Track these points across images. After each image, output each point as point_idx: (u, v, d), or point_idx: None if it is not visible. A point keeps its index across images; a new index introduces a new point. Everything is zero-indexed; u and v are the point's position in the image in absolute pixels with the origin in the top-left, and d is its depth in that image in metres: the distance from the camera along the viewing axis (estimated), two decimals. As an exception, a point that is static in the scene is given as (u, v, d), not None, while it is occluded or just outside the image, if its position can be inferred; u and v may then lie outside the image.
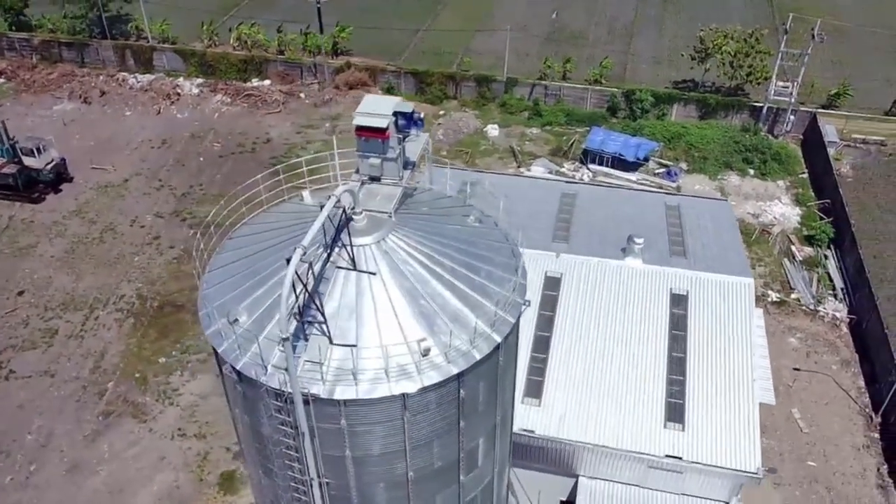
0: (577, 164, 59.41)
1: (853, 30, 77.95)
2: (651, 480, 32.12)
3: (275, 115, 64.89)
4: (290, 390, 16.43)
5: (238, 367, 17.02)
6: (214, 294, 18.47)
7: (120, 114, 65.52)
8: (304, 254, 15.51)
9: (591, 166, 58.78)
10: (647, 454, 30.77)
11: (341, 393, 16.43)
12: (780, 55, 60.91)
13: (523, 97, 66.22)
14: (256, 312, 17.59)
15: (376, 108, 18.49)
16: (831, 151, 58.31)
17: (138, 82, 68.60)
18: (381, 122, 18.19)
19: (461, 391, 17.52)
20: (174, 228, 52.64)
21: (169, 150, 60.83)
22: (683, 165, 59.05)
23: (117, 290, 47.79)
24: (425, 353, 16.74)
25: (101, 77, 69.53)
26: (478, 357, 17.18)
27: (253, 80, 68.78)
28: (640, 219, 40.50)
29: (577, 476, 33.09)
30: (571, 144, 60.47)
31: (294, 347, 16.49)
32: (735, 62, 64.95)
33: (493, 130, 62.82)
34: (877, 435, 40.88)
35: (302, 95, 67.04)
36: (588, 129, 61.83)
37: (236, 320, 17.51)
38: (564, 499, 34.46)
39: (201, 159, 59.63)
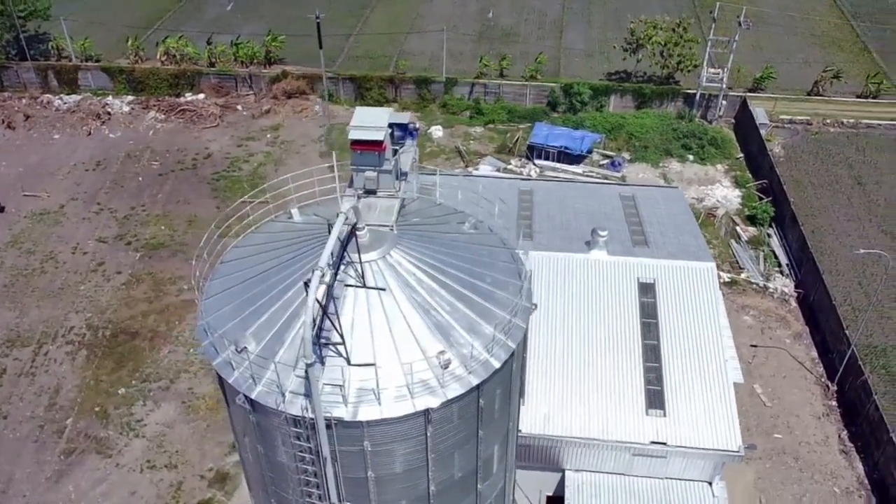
0: (523, 160, 59.95)
1: (770, 15, 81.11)
2: (636, 468, 32.67)
3: (212, 129, 63.23)
4: (311, 416, 16.01)
5: (253, 397, 16.49)
6: (216, 323, 17.84)
7: (48, 137, 62.68)
8: (323, 275, 15.11)
9: (538, 161, 59.42)
10: (633, 442, 31.30)
11: (365, 414, 16.12)
12: (709, 43, 62.82)
13: (463, 97, 66.43)
14: (265, 339, 17.10)
15: (371, 120, 18.20)
16: (763, 133, 60.51)
17: (64, 103, 65.73)
18: (377, 135, 17.92)
19: (480, 400, 17.43)
20: (119, 253, 50.68)
21: (105, 171, 58.53)
22: (626, 155, 60.32)
23: (65, 321, 45.72)
24: (445, 365, 16.58)
25: (24, 100, 66.36)
26: (497, 365, 17.13)
27: (186, 95, 66.84)
28: (598, 211, 41.18)
29: (562, 470, 33.39)
30: (516, 141, 60.98)
31: (307, 370, 16.05)
32: (665, 52, 66.65)
33: (436, 131, 62.81)
34: (834, 402, 42.63)
35: (239, 107, 65.55)
36: (530, 125, 62.47)
37: (245, 348, 16.96)
38: (551, 494, 34.76)
39: (140, 179, 57.61)
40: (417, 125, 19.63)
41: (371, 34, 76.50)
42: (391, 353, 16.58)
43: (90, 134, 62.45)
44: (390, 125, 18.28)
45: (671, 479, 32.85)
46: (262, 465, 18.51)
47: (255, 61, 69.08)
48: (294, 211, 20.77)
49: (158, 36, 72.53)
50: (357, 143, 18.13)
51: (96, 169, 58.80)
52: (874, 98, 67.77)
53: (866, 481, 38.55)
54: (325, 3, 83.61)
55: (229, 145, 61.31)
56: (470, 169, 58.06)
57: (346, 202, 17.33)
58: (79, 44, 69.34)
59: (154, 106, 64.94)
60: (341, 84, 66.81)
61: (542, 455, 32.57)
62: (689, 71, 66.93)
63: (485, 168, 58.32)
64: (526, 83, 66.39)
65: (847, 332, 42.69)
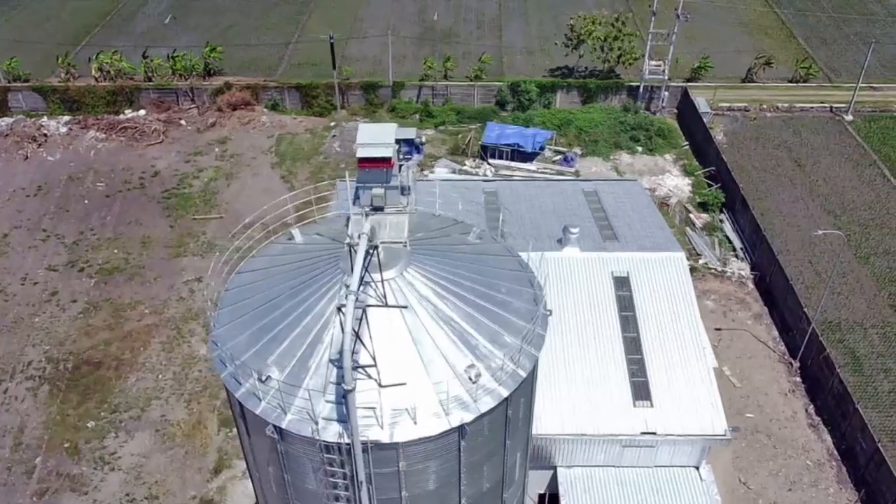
0: (477, 160, 60.19)
1: (700, 6, 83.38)
2: (626, 459, 33.28)
3: (157, 145, 61.40)
4: (347, 441, 15.74)
5: (284, 426, 16.10)
6: (233, 353, 17.33)
7: (-21, 164, 59.88)
8: (357, 299, 14.86)
9: (492, 161, 59.78)
10: (624, 435, 31.86)
11: (401, 435, 15.94)
12: (649, 36, 64.26)
13: (411, 100, 66.30)
14: (288, 366, 16.73)
15: (377, 137, 18.00)
16: (706, 121, 62.28)
17: (-5, 127, 62.88)
18: (386, 152, 17.73)
19: (508, 411, 17.45)
20: (72, 280, 48.76)
21: (47, 196, 56.19)
22: (578, 150, 61.21)
23: (22, 356, 43.73)
24: (476, 378, 16.53)
25: (-50, 126, 63.23)
26: (524, 375, 17.18)
27: (126, 112, 64.70)
28: (565, 208, 41.73)
29: (554, 468, 33.75)
30: (468, 142, 61.18)
31: (346, 396, 15.78)
32: (605, 46, 67.90)
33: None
34: (798, 379, 44.25)
35: (183, 122, 63.84)
36: (481, 125, 62.78)
37: (269, 377, 16.55)
38: (542, 491, 35.08)
39: (86, 202, 55.51)
40: (423, 139, 19.47)
41: (311, 41, 75.52)
42: (420, 370, 16.44)
43: (27, 158, 59.85)
44: (397, 141, 18.08)
45: (660, 466, 33.58)
46: (289, 494, 18.10)
47: (195, 74, 67.38)
48: (295, 231, 20.33)
49: (89, 52, 69.99)
50: (365, 161, 17.85)
51: (38, 194, 56.41)
52: (804, 82, 70.55)
53: (836, 452, 40.14)
54: (260, 12, 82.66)
55: (177, 161, 59.67)
56: (426, 172, 57.97)
57: (364, 222, 17.03)
58: (5, 64, 66.37)
59: (93, 125, 62.65)
60: (286, 93, 65.81)
61: (535, 454, 32.75)
62: (629, 64, 68.35)
63: (440, 171, 58.33)
64: (472, 83, 66.69)
65: (806, 310, 44.35)
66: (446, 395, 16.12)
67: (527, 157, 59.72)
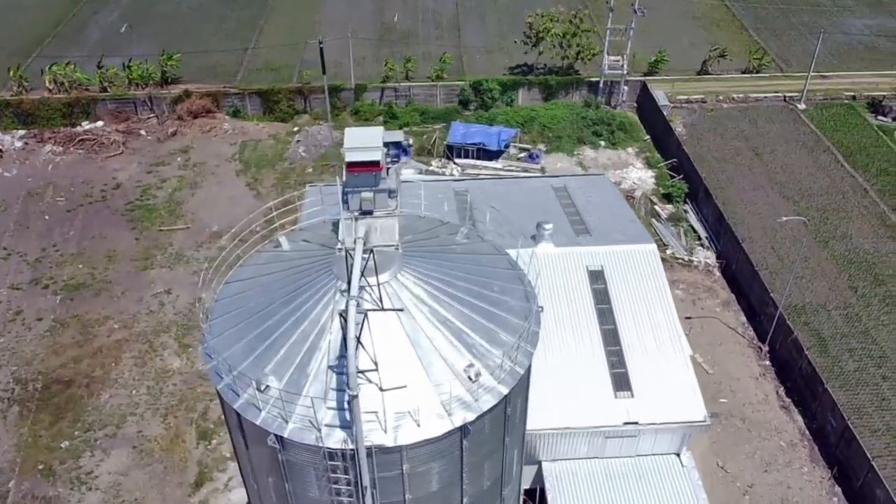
0: (443, 160, 60.33)
1: (653, 1, 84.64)
2: (609, 450, 33.76)
3: (117, 157, 60.22)
4: (351, 447, 15.74)
5: (285, 436, 16.03)
6: (229, 364, 17.17)
7: (-69, 182, 58.05)
8: (358, 304, 14.88)
9: (458, 160, 59.99)
10: (607, 426, 32.31)
11: (405, 437, 15.99)
12: (607, 32, 65.11)
13: (374, 102, 66.15)
14: (286, 374, 16.67)
15: (365, 141, 18.00)
16: (666, 114, 63.36)
17: (-55, 144, 61.04)
18: (374, 156, 17.76)
19: (507, 408, 17.62)
20: (37, 298, 47.60)
21: (5, 213, 54.71)
22: (542, 147, 61.77)
23: (-11, 378, 42.63)
24: (476, 378, 16.66)
25: None
26: (521, 372, 17.37)
27: (83, 124, 63.33)
28: (536, 205, 42.04)
29: (538, 462, 34.06)
30: (434, 142, 61.28)
31: (347, 402, 15.79)
32: (564, 43, 68.62)
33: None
34: (768, 362, 45.31)
35: (142, 132, 62.71)
36: (445, 125, 62.93)
37: (267, 387, 16.46)
38: (527, 486, 35.34)
39: (47, 217, 54.21)
40: (411, 141, 19.49)
41: (269, 46, 74.88)
42: (420, 372, 16.51)
43: (-19, 175, 58.30)
44: (385, 143, 18.10)
45: (642, 455, 34.13)
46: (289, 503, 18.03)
47: (152, 82, 66.27)
48: (282, 239, 20.20)
49: (41, 63, 68.30)
50: (353, 165, 17.84)
51: (-5, 211, 55.00)
52: (757, 73, 72.17)
53: (807, 432, 41.21)
54: (216, 18, 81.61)
55: (138, 173, 58.62)
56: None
57: (354, 226, 17.04)
58: (-48, 78, 64.58)
59: (49, 138, 61.20)
60: (248, 99, 65.14)
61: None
62: (588, 60, 69.17)
63: (407, 172, 58.26)
64: (435, 83, 66.82)
65: (773, 295, 45.46)
66: (448, 395, 16.21)
67: (492, 155, 60.07)
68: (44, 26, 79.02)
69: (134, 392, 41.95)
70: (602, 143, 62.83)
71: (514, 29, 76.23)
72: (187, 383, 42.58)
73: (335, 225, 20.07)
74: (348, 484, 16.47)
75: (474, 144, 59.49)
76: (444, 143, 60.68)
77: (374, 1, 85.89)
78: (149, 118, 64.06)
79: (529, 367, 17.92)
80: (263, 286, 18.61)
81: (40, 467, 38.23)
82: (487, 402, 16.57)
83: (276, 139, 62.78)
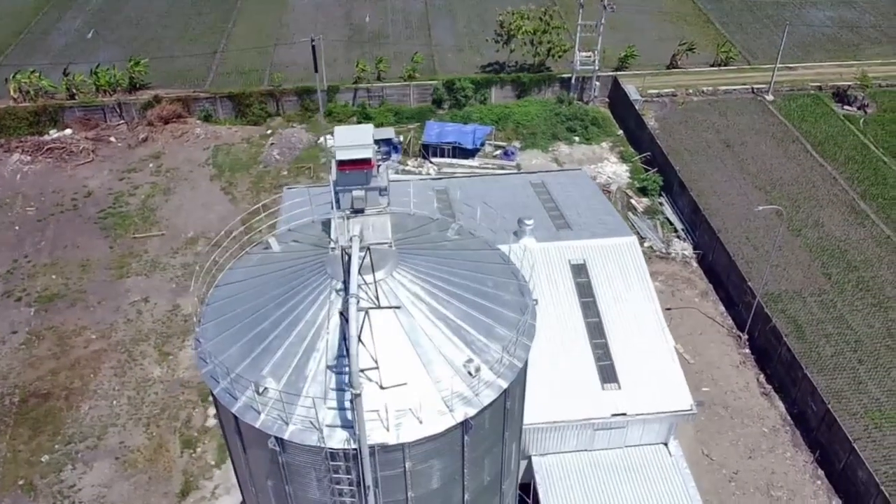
0: (419, 159, 60.23)
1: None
2: (597, 442, 33.93)
3: (87, 165, 59.23)
4: (353, 447, 15.61)
5: (286, 438, 15.85)
6: (225, 368, 16.93)
7: None
8: (359, 302, 14.76)
9: (434, 160, 59.93)
10: (596, 418, 32.48)
11: (407, 435, 15.90)
12: (578, 28, 65.50)
13: (347, 103, 65.87)
14: (284, 376, 16.49)
15: (355, 138, 17.83)
16: (638, 108, 63.93)
17: None
18: (365, 153, 17.60)
19: (507, 402, 17.62)
20: (10, 311, 46.62)
21: (-27, 225, 53.62)
22: (517, 144, 61.98)
23: (-37, 394, 41.64)
24: (475, 373, 16.63)
25: None
26: (520, 366, 17.37)
27: (51, 132, 62.17)
28: (515, 201, 42.14)
29: (528, 457, 34.12)
30: (409, 142, 61.14)
31: (349, 401, 15.67)
32: (535, 40, 68.92)
33: (328, 141, 61.84)
34: (747, 350, 45.92)
35: (112, 139, 61.75)
36: (419, 124, 62.83)
37: (266, 389, 16.27)
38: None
39: (17, 228, 53.13)
40: (401, 138, 19.37)
41: (239, 50, 74.18)
42: (419, 369, 16.44)
43: (-53, 186, 56.96)
44: (375, 141, 17.98)
45: (630, 446, 34.35)
46: (290, 507, 17.85)
47: (120, 89, 65.29)
48: (271, 240, 19.96)
49: (5, 72, 66.91)
50: (344, 164, 17.68)
51: (-37, 223, 53.78)
52: (725, 66, 73.16)
53: (789, 417, 41.84)
54: (182, 22, 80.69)
55: (110, 180, 57.70)
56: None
57: (347, 225, 16.90)
58: (-87, 89, 63.02)
59: (17, 148, 59.97)
60: (219, 103, 64.46)
61: (509, 446, 33.13)
62: (559, 57, 69.55)
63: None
64: (407, 83, 66.72)
65: (750, 284, 46.07)
66: (448, 391, 16.15)
67: (468, 153, 60.14)
68: (6, 34, 77.52)
69: (114, 402, 41.29)
70: (576, 138, 63.22)
71: (485, 27, 76.51)
72: (169, 392, 42.00)
73: (324, 225, 19.91)
74: (350, 484, 16.33)
75: (450, 143, 59.50)
76: (420, 142, 60.60)
77: (342, 3, 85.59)
78: (118, 125, 63.10)
79: (527, 360, 17.93)
80: (255, 288, 18.38)
81: (21, 483, 37.46)
82: (488, 396, 16.54)
83: (250, 143, 62.22)
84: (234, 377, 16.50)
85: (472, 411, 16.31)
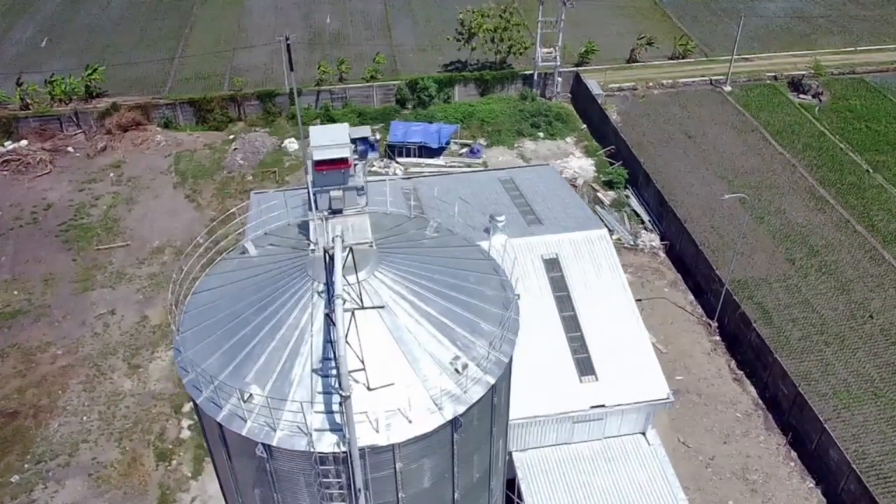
0: (385, 160, 59.97)
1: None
2: (576, 434, 34.14)
3: (45, 176, 57.83)
4: (343, 450, 15.44)
5: (274, 444, 15.61)
6: (207, 376, 16.61)
7: None
8: (345, 303, 14.59)
9: (400, 160, 59.75)
10: (575, 411, 32.65)
11: (397, 435, 15.77)
12: (539, 24, 65.85)
13: (310, 106, 65.33)
14: (269, 381, 16.24)
15: (331, 138, 17.61)
16: (601, 103, 64.49)
17: None
18: (342, 153, 17.40)
19: (494, 398, 17.59)
20: (-29, 329, 45.35)
21: (-72, 242, 51.99)
22: (482, 141, 62.09)
23: (-74, 416, 40.33)
24: (462, 369, 16.56)
25: None
26: (506, 361, 17.35)
27: (6, 144, 60.56)
28: (485, 198, 42.19)
29: (509, 453, 34.15)
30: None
31: (338, 404, 15.49)
32: (496, 38, 69.14)
33: (292, 144, 61.34)
34: (718, 337, 46.61)
35: (70, 149, 60.38)
36: (384, 124, 62.58)
37: (251, 396, 16.01)
38: (499, 478, 35.44)
39: (-25, 244, 51.73)
40: (378, 136, 19.20)
41: (197, 55, 73.14)
42: (406, 368, 16.32)
43: None
44: (352, 140, 17.80)
45: (609, 437, 34.62)
46: (279, 514, 17.59)
47: (76, 98, 63.90)
48: (248, 245, 19.64)
49: (-49, 84, 65.19)
50: (321, 164, 17.46)
51: (-84, 241, 52.11)
52: (683, 58, 74.20)
53: (760, 402, 42.55)
54: (139, 29, 79.33)
55: (70, 191, 56.41)
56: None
57: (327, 226, 16.71)
58: None
59: (-30, 161, 58.39)
60: (179, 109, 63.45)
61: (490, 442, 33.13)
62: (520, 54, 69.86)
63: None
64: (370, 84, 66.45)
65: (718, 272, 46.77)
66: (437, 389, 16.07)
67: (433, 152, 60.08)
68: (-46, 45, 75.42)
69: (85, 418, 40.37)
70: (541, 134, 63.56)
71: (445, 26, 76.53)
72: (141, 405, 41.21)
73: (301, 227, 19.69)
74: (340, 488, 16.15)
75: (415, 143, 59.37)
76: (385, 142, 60.34)
77: (300, 6, 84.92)
78: (76, 134, 61.74)
79: (512, 355, 17.93)
80: (234, 294, 18.08)
81: (-10, 505, 36.45)
82: (476, 392, 16.49)
83: (212, 148, 61.36)
84: (217, 385, 16.19)
85: (461, 408, 16.25)
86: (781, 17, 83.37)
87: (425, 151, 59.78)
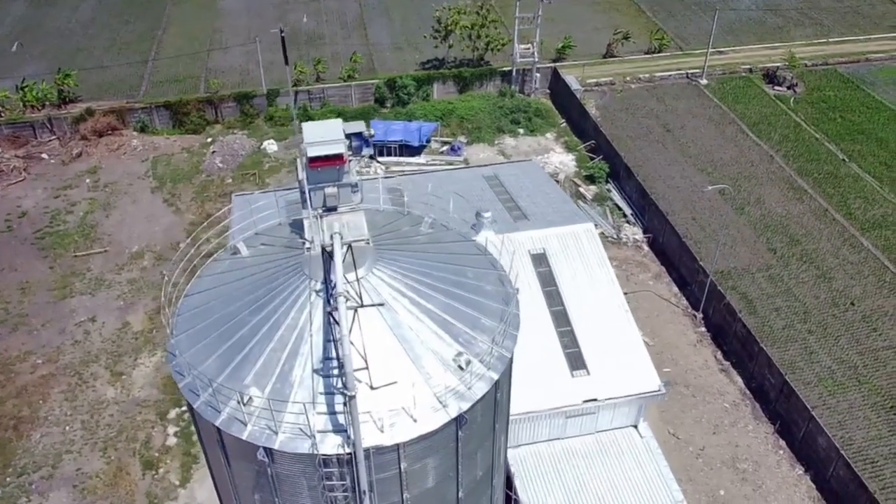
0: (366, 159, 59.55)
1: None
2: (569, 429, 34.07)
3: (19, 184, 56.65)
4: (347, 452, 15.13)
5: (276, 447, 15.27)
6: (205, 379, 16.21)
7: None
8: (348, 300, 14.29)
9: (380, 159, 59.39)
10: (568, 406, 32.56)
11: (402, 435, 15.50)
12: (516, 20, 65.80)
13: (288, 106, 64.69)
14: (269, 384, 15.89)
15: (325, 134, 17.31)
16: (579, 98, 64.59)
17: None
18: (337, 149, 17.11)
19: (497, 393, 17.39)
20: (-54, 340, 44.27)
21: None
22: (462, 139, 61.90)
23: None
24: (466, 366, 16.34)
25: None
26: (509, 356, 17.15)
27: (-23, 152, 59.36)
28: (470, 195, 41.84)
29: (502, 450, 34.01)
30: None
31: (343, 403, 15.19)
32: (473, 35, 69.00)
33: (271, 146, 60.70)
34: (703, 329, 46.85)
35: (44, 156, 59.21)
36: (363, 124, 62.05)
37: (250, 398, 15.65)
38: (492, 476, 35.27)
39: (-52, 254, 50.53)
40: (373, 131, 18.92)
41: (172, 57, 72.15)
42: (409, 366, 16.06)
43: None
44: (347, 136, 17.49)
45: (601, 431, 34.59)
46: (281, 518, 17.23)
47: (49, 103, 62.72)
48: (240, 245, 19.25)
49: (-79, 92, 63.63)
50: (316, 160, 17.12)
51: None
52: (659, 52, 74.58)
53: (747, 391, 42.81)
54: (111, 32, 78.16)
55: (44, 199, 55.32)
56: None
57: (333, 222, 16.35)
58: None
59: (-60, 170, 57.05)
60: (155, 113, 62.51)
61: (483, 440, 32.94)
62: (497, 50, 69.79)
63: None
64: (348, 84, 65.98)
65: (702, 263, 47.00)
66: (440, 386, 15.83)
67: (414, 151, 59.80)
68: (-81, 51, 73.71)
69: (67, 428, 39.57)
70: (521, 130, 63.51)
71: (421, 24, 76.25)
72: (125, 413, 40.49)
73: (294, 226, 19.36)
74: (345, 490, 15.84)
75: (396, 141, 59.03)
76: (365, 142, 59.85)
77: (274, 6, 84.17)
78: (50, 141, 60.58)
79: (514, 350, 17.74)
80: (228, 295, 17.68)
81: (-27, 520, 35.60)
82: (480, 389, 16.26)
83: (190, 152, 60.52)
84: (215, 388, 15.81)
85: (465, 405, 16.02)
86: (754, 10, 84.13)
87: (406, 150, 59.46)
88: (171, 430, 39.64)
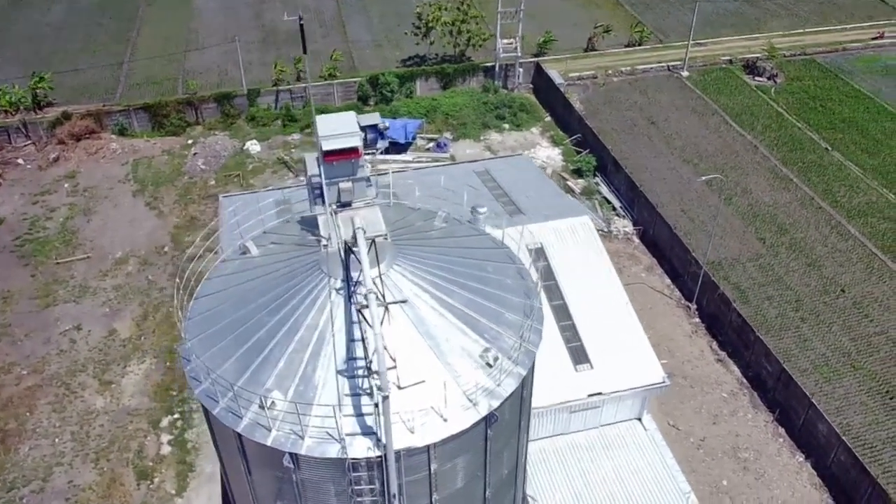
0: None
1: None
2: (573, 424, 33.73)
3: (-6, 190, 55.23)
4: (377, 455, 14.57)
5: (303, 453, 14.65)
6: (222, 385, 15.55)
7: None
8: (377, 298, 13.72)
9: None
10: (573, 400, 32.20)
11: (432, 435, 14.97)
12: (498, 15, 65.39)
13: (270, 106, 63.72)
14: (291, 387, 15.29)
15: (339, 127, 16.72)
16: (563, 92, 64.36)
17: None
18: (353, 142, 16.54)
19: (523, 390, 16.93)
20: (-74, 354, 42.83)
21: None
22: (448, 135, 61.37)
23: None
24: (494, 362, 15.85)
25: None
26: (535, 351, 16.70)
27: (-50, 159, 57.68)
28: (462, 191, 41.44)
29: (506, 447, 33.61)
30: (339, 141, 59.59)
31: (362, 406, 14.62)
32: (454, 30, 68.49)
33: (254, 147, 59.71)
34: (697, 319, 46.79)
35: (20, 161, 57.66)
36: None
37: (273, 403, 15.02)
38: (496, 474, 34.85)
39: (-76, 264, 48.96)
40: (387, 123, 18.34)
41: (148, 58, 70.76)
42: (435, 364, 15.54)
43: None
44: (362, 128, 16.91)
45: (605, 425, 34.30)
46: (305, 525, 16.61)
47: (23, 108, 61.15)
48: (249, 244, 18.57)
49: None
50: (331, 154, 16.52)
51: None
52: (640, 45, 74.59)
53: (745, 381, 42.80)
54: (84, 34, 76.52)
55: (22, 205, 53.85)
56: (302, 178, 55.96)
57: (356, 218, 15.75)
58: None
59: (-88, 178, 55.31)
60: (133, 115, 61.17)
61: (488, 438, 32.49)
62: (479, 46, 69.32)
63: (316, 174, 56.45)
64: (330, 82, 65.13)
65: (695, 254, 46.94)
66: (470, 384, 15.32)
67: (400, 148, 59.13)
68: None
69: (57, 440, 38.44)
70: (506, 125, 63.14)
71: (401, 21, 75.58)
72: (116, 422, 39.44)
73: (304, 223, 18.75)
74: (373, 494, 15.27)
75: (381, 139, 58.30)
76: (350, 140, 59.14)
77: (249, 5, 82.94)
78: (25, 146, 59.04)
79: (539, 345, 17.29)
80: (240, 297, 17.02)
81: (-38, 538, 34.41)
82: (509, 385, 15.79)
83: (171, 154, 59.32)
84: (234, 394, 15.16)
85: (495, 403, 15.54)
86: (731, 1, 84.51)
87: (392, 147, 58.74)
88: (165, 438, 38.70)
